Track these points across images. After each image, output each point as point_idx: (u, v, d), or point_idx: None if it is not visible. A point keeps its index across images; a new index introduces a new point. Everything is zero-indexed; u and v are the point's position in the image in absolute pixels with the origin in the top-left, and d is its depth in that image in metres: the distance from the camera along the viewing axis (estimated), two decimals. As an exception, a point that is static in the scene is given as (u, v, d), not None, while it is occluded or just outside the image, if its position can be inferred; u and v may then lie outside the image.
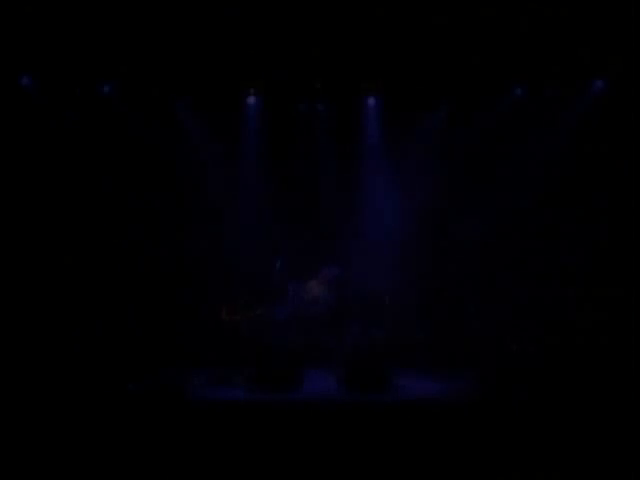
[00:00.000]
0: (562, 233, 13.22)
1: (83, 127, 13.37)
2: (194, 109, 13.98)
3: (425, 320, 13.44)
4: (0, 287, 12.63)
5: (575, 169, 13.25)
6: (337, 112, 14.27)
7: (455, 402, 10.39)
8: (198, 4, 11.81)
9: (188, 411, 9.72)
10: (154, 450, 8.63)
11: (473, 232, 13.67)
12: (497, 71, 12.90)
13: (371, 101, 14.08)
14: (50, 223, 13.27)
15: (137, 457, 8.54)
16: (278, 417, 9.55)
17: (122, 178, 13.64)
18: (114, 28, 12.06)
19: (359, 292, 13.60)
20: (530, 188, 13.40)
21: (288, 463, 8.34)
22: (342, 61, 12.87)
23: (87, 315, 12.76)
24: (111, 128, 13.47)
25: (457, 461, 8.41)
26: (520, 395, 10.13)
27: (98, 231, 13.56)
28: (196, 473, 8.37)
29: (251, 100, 13.99)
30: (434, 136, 14.00)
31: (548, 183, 13.43)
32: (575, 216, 13.15)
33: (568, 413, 9.45)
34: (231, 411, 9.93)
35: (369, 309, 12.71)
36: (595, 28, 11.99)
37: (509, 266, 13.24)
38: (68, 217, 13.41)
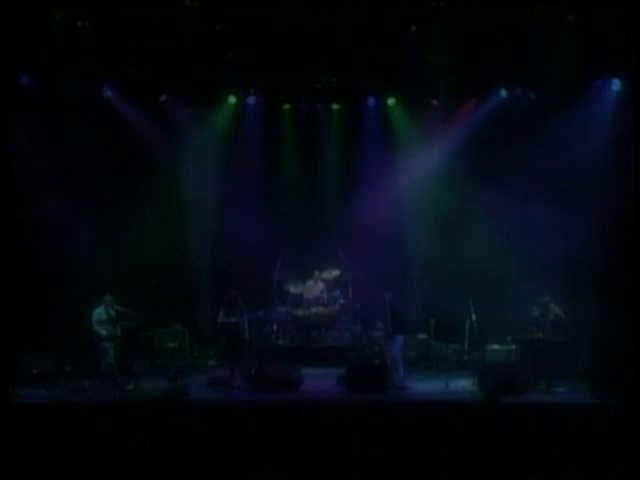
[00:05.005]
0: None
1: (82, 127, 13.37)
2: (194, 109, 14.00)
3: (427, 320, 13.44)
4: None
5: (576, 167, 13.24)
6: (339, 112, 14.32)
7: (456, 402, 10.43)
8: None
9: (189, 411, 9.69)
10: (154, 450, 8.61)
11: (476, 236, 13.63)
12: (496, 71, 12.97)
13: (371, 101, 14.11)
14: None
15: (138, 457, 8.53)
16: (278, 417, 9.52)
17: (121, 177, 13.62)
18: (115, 30, 12.12)
19: (359, 292, 13.59)
20: (533, 188, 13.39)
21: (288, 463, 8.32)
22: (343, 61, 12.87)
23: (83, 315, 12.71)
24: (110, 128, 13.42)
25: (457, 461, 8.38)
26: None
27: (97, 230, 13.55)
28: (197, 473, 8.35)
29: (251, 100, 13.99)
30: (434, 136, 14.03)
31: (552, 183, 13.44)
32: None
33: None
34: (231, 411, 9.89)
35: (369, 309, 12.68)
36: (595, 29, 12.01)
37: (512, 267, 13.16)
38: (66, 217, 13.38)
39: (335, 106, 14.35)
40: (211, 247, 14.44)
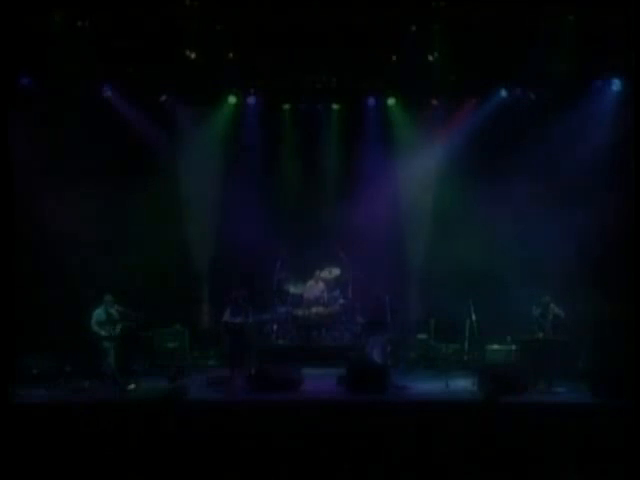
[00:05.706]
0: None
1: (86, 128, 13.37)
2: (194, 109, 14.01)
3: (427, 320, 13.45)
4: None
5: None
6: (339, 112, 14.32)
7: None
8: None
9: (188, 411, 9.68)
10: (154, 450, 8.61)
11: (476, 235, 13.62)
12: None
13: (371, 101, 14.11)
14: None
15: (138, 457, 8.52)
16: (278, 417, 9.51)
17: (121, 177, 13.61)
18: (115, 30, 12.14)
19: (360, 292, 13.58)
20: (533, 188, 13.37)
21: (288, 463, 8.31)
22: (343, 61, 12.88)
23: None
24: (110, 128, 13.42)
25: (457, 461, 8.38)
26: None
27: (97, 229, 13.55)
28: (196, 473, 8.35)
29: (251, 100, 13.99)
30: (435, 136, 14.05)
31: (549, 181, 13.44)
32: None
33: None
34: (231, 411, 9.89)
35: (370, 309, 12.66)
36: (595, 29, 12.03)
37: (512, 267, 13.16)
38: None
39: (335, 106, 14.35)
40: (211, 247, 14.43)
